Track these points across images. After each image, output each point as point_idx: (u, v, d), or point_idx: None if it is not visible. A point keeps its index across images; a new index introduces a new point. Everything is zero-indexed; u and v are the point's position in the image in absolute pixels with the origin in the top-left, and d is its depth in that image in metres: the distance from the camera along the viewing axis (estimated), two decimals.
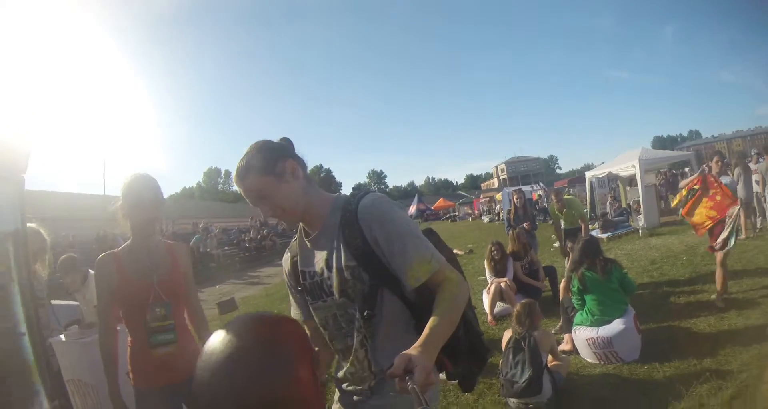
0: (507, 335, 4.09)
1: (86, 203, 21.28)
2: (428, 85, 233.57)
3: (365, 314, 1.55)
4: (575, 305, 4.72)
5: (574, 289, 4.70)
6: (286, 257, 1.84)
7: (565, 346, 4.70)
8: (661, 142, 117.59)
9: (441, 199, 62.53)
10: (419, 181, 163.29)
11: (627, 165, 14.90)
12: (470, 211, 45.09)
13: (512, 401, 3.67)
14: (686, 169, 20.74)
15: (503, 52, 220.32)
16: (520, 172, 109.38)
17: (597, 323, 4.37)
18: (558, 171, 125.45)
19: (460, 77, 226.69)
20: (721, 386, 3.41)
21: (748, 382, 3.45)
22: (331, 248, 1.60)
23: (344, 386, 1.71)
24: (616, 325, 4.25)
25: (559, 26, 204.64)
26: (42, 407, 2.63)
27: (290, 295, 1.86)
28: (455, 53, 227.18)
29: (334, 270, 1.58)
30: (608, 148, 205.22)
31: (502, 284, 6.31)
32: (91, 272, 4.13)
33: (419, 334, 1.42)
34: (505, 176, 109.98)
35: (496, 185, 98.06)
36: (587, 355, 4.42)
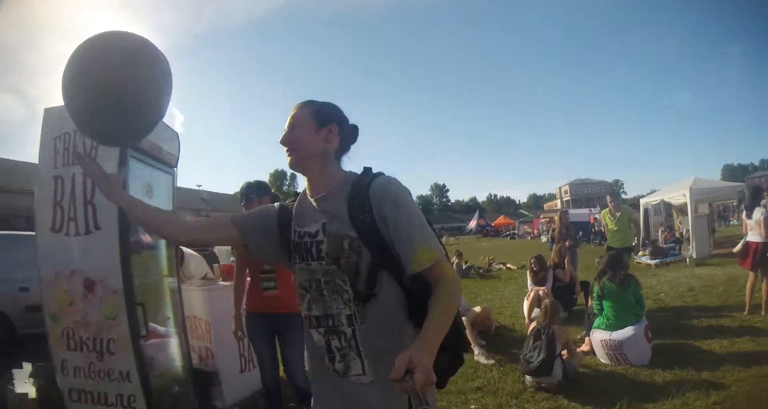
0: (532, 325, 4.80)
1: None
2: (495, 101, 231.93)
3: (363, 292, 1.56)
4: (594, 310, 5.37)
5: (595, 295, 5.39)
6: (274, 208, 1.84)
7: (584, 347, 5.34)
8: (730, 171, 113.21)
9: (502, 217, 62.70)
10: (481, 197, 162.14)
11: (678, 194, 15.02)
12: (530, 230, 45.32)
13: (528, 378, 4.42)
14: (732, 202, 20.35)
15: (569, 72, 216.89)
16: (584, 194, 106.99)
17: (611, 328, 4.99)
18: (623, 196, 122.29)
19: (527, 96, 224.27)
20: (708, 394, 3.94)
21: (735, 394, 3.96)
22: (334, 214, 1.61)
23: (326, 360, 1.67)
24: (628, 331, 4.85)
25: (625, 46, 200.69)
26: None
27: (249, 214, 1.86)
28: (522, 72, 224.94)
29: (330, 236, 1.60)
30: (676, 175, 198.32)
31: (540, 292, 6.98)
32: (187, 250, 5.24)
33: (412, 320, 1.55)
34: (568, 198, 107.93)
35: (558, 206, 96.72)
36: (601, 355, 5.04)
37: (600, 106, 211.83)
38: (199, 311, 4.56)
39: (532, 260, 7.85)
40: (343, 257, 1.56)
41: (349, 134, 1.75)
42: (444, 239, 42.51)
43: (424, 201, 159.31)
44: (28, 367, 4.08)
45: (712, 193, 15.44)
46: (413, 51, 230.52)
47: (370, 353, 1.57)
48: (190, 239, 1.96)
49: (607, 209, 8.51)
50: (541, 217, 46.47)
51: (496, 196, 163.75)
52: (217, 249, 6.42)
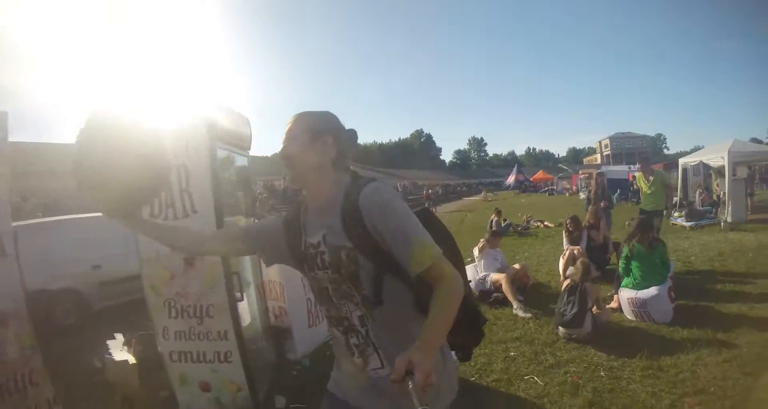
0: (566, 282, 5.40)
1: None
2: (535, 49, 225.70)
3: (369, 300, 1.61)
4: (621, 270, 5.96)
5: (624, 256, 5.96)
6: (285, 218, 1.91)
7: (613, 304, 5.92)
8: None
9: (541, 172, 61.69)
10: (520, 151, 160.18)
11: (717, 156, 14.82)
12: (568, 186, 44.59)
13: (561, 329, 5.04)
14: None
15: (611, 20, 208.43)
16: (625, 148, 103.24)
17: (637, 287, 5.56)
18: (666, 151, 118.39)
19: (567, 45, 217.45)
20: (721, 352, 4.43)
21: (745, 354, 4.38)
22: (331, 226, 1.65)
23: (348, 355, 1.74)
24: (652, 291, 5.39)
25: None
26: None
27: (260, 230, 1.97)
28: (563, 20, 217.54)
29: (330, 246, 1.65)
30: (724, 132, 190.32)
31: (575, 251, 7.51)
32: None
33: (423, 313, 1.55)
34: (608, 152, 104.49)
35: (598, 161, 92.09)
36: (628, 312, 5.61)
37: (643, 56, 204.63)
38: (274, 275, 5.22)
39: (567, 221, 8.45)
40: (342, 267, 1.61)
41: (346, 142, 1.77)
42: (483, 195, 42.53)
43: (462, 155, 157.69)
44: (120, 337, 4.72)
45: (752, 156, 15.11)
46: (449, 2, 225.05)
47: (384, 348, 1.64)
48: (205, 251, 2.18)
49: (641, 173, 8.85)
50: (580, 173, 45.39)
51: (534, 150, 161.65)
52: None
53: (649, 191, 8.49)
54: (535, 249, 11.32)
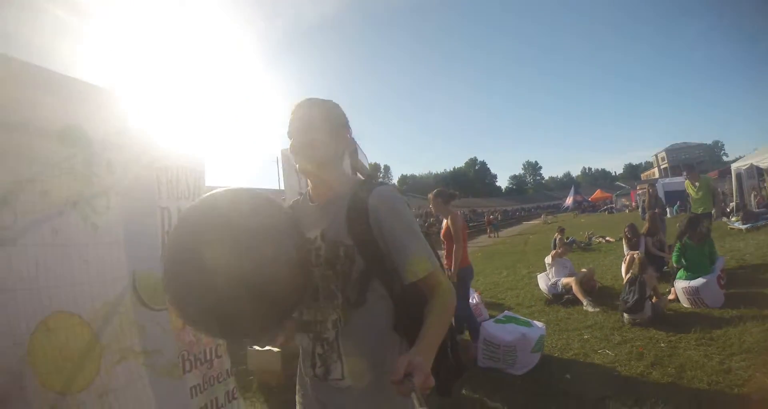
0: (627, 275, 6.34)
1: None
2: (583, 67, 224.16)
3: (352, 299, 1.60)
4: (674, 262, 6.88)
5: (676, 251, 6.87)
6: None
7: (670, 296, 6.78)
8: None
9: (598, 191, 61.25)
10: (576, 172, 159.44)
11: (765, 157, 15.18)
12: (627, 202, 44.33)
13: (625, 316, 5.97)
14: None
15: (652, 28, 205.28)
16: (682, 160, 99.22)
17: (690, 278, 6.45)
18: (725, 158, 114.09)
19: (612, 60, 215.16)
20: (765, 323, 5.20)
21: None
22: (332, 221, 1.64)
23: (308, 365, 1.73)
24: (703, 279, 6.26)
25: None
26: None
27: None
28: (610, 33, 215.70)
29: (328, 242, 1.63)
30: None
31: (635, 255, 8.36)
32: None
33: (398, 330, 1.60)
34: (666, 165, 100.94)
35: (656, 175, 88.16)
36: (683, 301, 6.46)
37: (694, 61, 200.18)
38: None
39: (625, 229, 9.41)
40: (338, 264, 1.60)
41: (352, 138, 1.78)
42: (542, 218, 42.61)
43: (518, 180, 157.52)
44: None
45: None
46: (498, 26, 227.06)
47: (350, 356, 1.62)
48: None
49: (689, 181, 9.63)
50: (638, 188, 44.37)
51: (590, 169, 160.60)
52: None
53: (696, 196, 9.30)
54: (599, 261, 12.00)
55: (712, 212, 9.27)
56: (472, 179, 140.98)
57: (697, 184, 9.33)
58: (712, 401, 3.67)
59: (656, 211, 10.03)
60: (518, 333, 4.80)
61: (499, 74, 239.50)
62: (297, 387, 1.87)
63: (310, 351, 1.71)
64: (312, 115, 1.65)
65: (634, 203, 40.45)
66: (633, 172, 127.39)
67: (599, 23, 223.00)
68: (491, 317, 5.97)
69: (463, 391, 4.43)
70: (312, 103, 1.69)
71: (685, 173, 10.39)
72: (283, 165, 5.36)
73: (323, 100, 1.72)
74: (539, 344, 4.89)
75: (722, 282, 6.38)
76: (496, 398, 4.23)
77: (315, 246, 1.66)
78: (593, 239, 17.14)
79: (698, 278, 6.35)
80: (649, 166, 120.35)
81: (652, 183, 12.39)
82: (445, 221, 5.81)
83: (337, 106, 1.74)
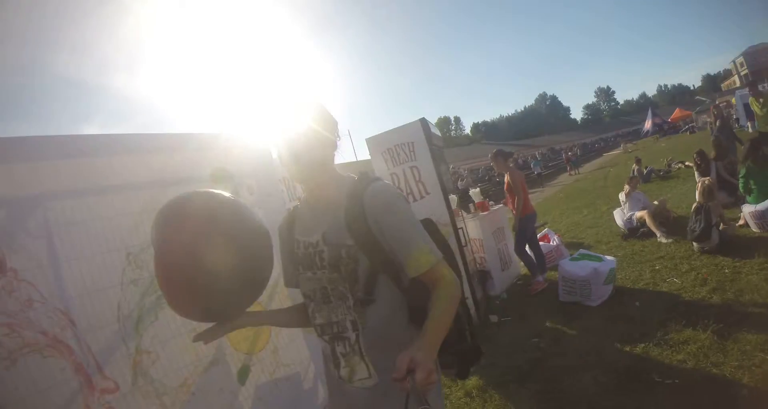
0: (694, 205, 6.75)
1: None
2: None
3: (361, 298, 1.62)
4: (740, 188, 7.23)
5: (741, 176, 7.21)
6: (283, 225, 1.90)
7: (740, 222, 7.10)
8: None
9: (677, 110, 57.37)
10: (651, 91, 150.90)
11: None
12: (709, 118, 41.52)
13: (694, 244, 6.44)
14: None
15: None
16: (763, 62, 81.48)
17: (755, 201, 6.77)
18: None
19: None
20: None
21: None
22: (332, 223, 1.65)
23: (332, 366, 1.77)
24: (766, 205, 6.55)
25: None
26: None
27: (283, 259, 1.91)
28: None
29: (330, 245, 1.64)
30: None
31: (706, 181, 8.61)
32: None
33: (414, 322, 1.64)
34: (745, 71, 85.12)
35: (737, 84, 76.56)
36: (752, 225, 6.77)
37: None
38: (474, 233, 6.91)
39: (694, 155, 9.62)
40: (342, 265, 1.60)
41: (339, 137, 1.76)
42: (622, 147, 41.27)
43: (592, 110, 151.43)
44: None
45: None
46: None
47: (372, 355, 1.64)
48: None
49: (753, 97, 9.50)
50: (717, 102, 42.02)
51: (666, 86, 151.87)
52: (471, 192, 8.29)
53: (761, 113, 9.26)
54: (677, 189, 12.06)
55: None
56: (545, 115, 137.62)
57: (761, 100, 9.23)
58: (760, 321, 4.15)
59: (717, 135, 10.03)
60: (590, 268, 5.45)
61: (557, 2, 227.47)
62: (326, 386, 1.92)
63: (331, 352, 1.74)
64: (300, 119, 1.65)
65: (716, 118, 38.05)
66: (712, 83, 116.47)
67: None
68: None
69: (547, 323, 5.23)
70: (303, 108, 1.68)
71: (747, 89, 10.15)
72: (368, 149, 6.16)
73: (310, 104, 1.69)
74: (610, 276, 5.53)
75: None
76: (574, 325, 5.01)
77: (318, 249, 1.68)
78: (673, 165, 16.92)
79: (764, 200, 6.65)
80: (728, 74, 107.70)
81: (716, 104, 12.16)
82: (506, 176, 6.73)
83: (323, 106, 1.71)
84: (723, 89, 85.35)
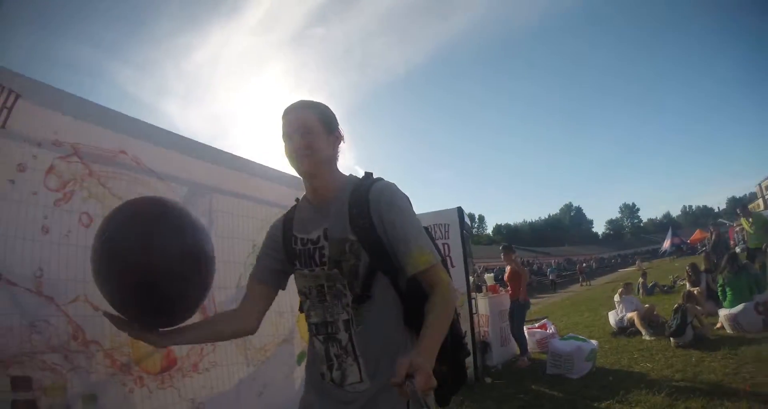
0: (675, 305, 7.68)
1: None
2: (676, 95, 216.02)
3: (359, 294, 1.61)
4: (719, 294, 8.15)
5: (719, 285, 8.19)
6: (278, 223, 1.89)
7: (718, 324, 7.94)
8: None
9: (698, 231, 57.02)
10: (675, 212, 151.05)
11: None
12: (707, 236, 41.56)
13: (671, 339, 7.29)
14: None
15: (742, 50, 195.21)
16: None
17: (730, 306, 7.69)
18: None
19: (707, 85, 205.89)
20: None
21: None
22: (334, 220, 1.66)
23: (324, 368, 1.72)
24: (741, 307, 7.42)
25: None
26: None
27: (261, 253, 1.89)
28: (701, 59, 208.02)
29: (332, 240, 1.65)
30: None
31: (695, 291, 9.58)
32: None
33: (407, 324, 1.64)
34: None
35: (761, 207, 77.27)
36: (727, 327, 7.58)
37: None
38: (483, 310, 7.86)
39: (687, 267, 10.76)
40: (344, 260, 1.62)
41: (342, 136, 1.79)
42: (637, 264, 41.56)
43: (615, 225, 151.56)
44: None
45: None
46: (597, 64, 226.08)
47: (366, 357, 1.63)
48: (257, 321, 1.84)
49: (744, 218, 10.72)
50: (735, 225, 41.76)
51: (691, 207, 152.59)
52: (486, 276, 9.63)
53: (751, 231, 10.40)
54: (675, 300, 12.79)
55: (764, 245, 10.04)
56: (568, 226, 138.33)
57: (750, 219, 10.43)
58: (710, 391, 4.96)
59: (709, 251, 11.09)
60: (575, 346, 6.42)
61: (592, 118, 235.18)
62: (306, 388, 1.84)
63: (323, 353, 1.70)
64: (307, 117, 1.68)
65: (732, 241, 37.76)
66: (737, 205, 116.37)
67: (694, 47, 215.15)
68: None
69: (533, 386, 6.13)
70: (305, 105, 1.72)
71: (738, 210, 11.44)
72: None
73: (316, 102, 1.75)
74: (592, 355, 6.47)
75: (760, 309, 7.41)
76: (554, 389, 5.92)
77: (318, 246, 1.69)
78: (677, 282, 17.48)
79: (737, 305, 7.54)
80: (753, 197, 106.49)
81: (716, 224, 13.36)
82: (508, 267, 8.04)
83: (328, 107, 1.76)
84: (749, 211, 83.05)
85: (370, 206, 1.62)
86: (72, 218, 2.16)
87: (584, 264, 41.76)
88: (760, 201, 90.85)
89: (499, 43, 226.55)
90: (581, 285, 31.46)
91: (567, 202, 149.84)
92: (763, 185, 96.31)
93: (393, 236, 1.60)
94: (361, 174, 1.84)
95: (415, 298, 1.60)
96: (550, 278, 32.69)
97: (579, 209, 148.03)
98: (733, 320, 7.48)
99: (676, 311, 7.41)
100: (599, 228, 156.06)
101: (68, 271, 2.03)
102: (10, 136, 1.98)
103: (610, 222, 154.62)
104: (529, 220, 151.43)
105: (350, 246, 1.62)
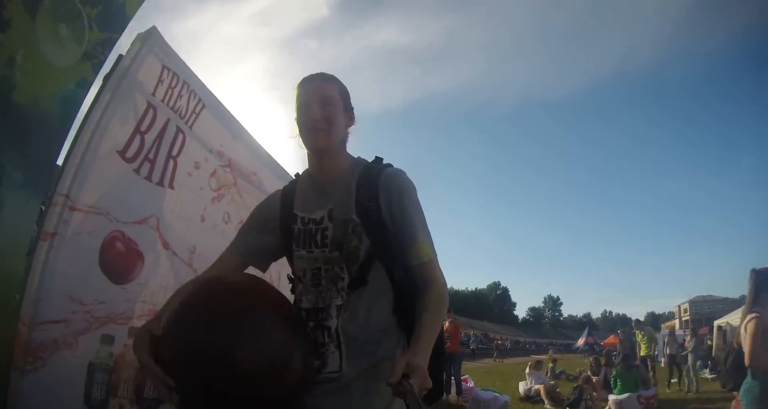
0: (575, 385, 9.28)
1: None
2: (618, 209, 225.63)
3: (355, 278, 1.55)
4: (612, 385, 9.70)
5: (612, 377, 9.77)
6: (276, 197, 1.80)
7: (607, 407, 9.45)
8: None
9: (612, 337, 59.69)
10: (596, 314, 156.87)
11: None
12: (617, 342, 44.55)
13: None
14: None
15: (683, 180, 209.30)
16: (705, 313, 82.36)
17: (619, 393, 9.16)
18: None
19: (645, 206, 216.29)
20: None
21: None
22: (340, 200, 1.60)
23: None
24: (626, 395, 8.91)
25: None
26: None
27: (244, 230, 1.80)
28: (641, 181, 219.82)
29: (336, 221, 1.58)
30: None
31: (594, 379, 11.23)
32: None
33: (396, 314, 1.58)
34: (687, 317, 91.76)
35: (676, 327, 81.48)
36: None
37: (725, 215, 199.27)
38: None
39: (591, 360, 12.99)
40: (346, 242, 1.56)
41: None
42: (549, 354, 43.41)
43: (536, 313, 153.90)
44: None
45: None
46: (536, 158, 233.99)
47: (348, 345, 1.55)
48: None
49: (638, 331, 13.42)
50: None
51: (611, 313, 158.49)
52: None
53: (643, 341, 12.81)
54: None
55: (653, 354, 12.87)
56: (491, 303, 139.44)
57: (642, 333, 13.01)
58: None
59: (595, 357, 13.87)
60: (492, 395, 8.06)
61: (532, 206, 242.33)
62: None
63: (313, 339, 1.57)
64: (329, 87, 1.61)
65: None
66: (655, 321, 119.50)
67: (636, 168, 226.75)
68: None
69: None
70: (326, 76, 1.65)
71: (633, 323, 14.36)
72: None
73: (334, 76, 1.67)
74: (505, 405, 8.16)
75: (641, 400, 8.98)
76: None
77: (321, 226, 1.61)
78: (582, 374, 19.17)
79: (624, 394, 9.03)
80: (671, 316, 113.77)
81: (625, 330, 15.82)
82: (446, 323, 9.32)
83: (345, 86, 1.69)
84: (662, 329, 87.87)
85: (380, 190, 1.58)
86: (219, 214, 2.80)
87: (499, 342, 43.27)
88: (676, 321, 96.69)
89: (470, 112, 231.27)
90: (494, 360, 33.28)
91: (495, 281, 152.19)
92: (681, 307, 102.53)
93: (400, 222, 1.57)
94: None
95: (406, 289, 1.58)
96: (471, 347, 34.11)
97: (505, 289, 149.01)
98: (619, 405, 8.95)
99: (575, 388, 9.05)
100: (521, 312, 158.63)
101: (214, 254, 1.90)
102: (194, 136, 2.50)
103: (533, 309, 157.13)
104: (456, 288, 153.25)
105: (353, 227, 1.56)
